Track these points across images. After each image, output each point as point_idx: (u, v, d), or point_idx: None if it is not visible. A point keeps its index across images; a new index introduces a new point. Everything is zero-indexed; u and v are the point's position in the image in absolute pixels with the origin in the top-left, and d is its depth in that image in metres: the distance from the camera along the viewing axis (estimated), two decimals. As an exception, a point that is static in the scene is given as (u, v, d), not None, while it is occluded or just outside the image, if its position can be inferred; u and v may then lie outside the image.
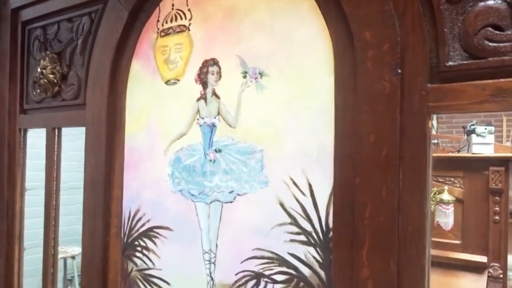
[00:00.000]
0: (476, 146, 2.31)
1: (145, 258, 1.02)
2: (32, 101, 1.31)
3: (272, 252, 0.82)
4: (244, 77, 0.87)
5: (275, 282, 0.81)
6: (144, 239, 1.02)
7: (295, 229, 0.79)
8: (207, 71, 0.93)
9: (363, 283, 0.69)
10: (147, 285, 1.01)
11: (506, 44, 0.60)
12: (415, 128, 0.66)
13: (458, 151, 2.68)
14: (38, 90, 1.27)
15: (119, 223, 1.07)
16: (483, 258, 2.20)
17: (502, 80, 0.60)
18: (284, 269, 0.80)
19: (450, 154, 2.68)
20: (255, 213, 0.84)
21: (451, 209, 2.36)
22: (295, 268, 0.79)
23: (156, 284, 0.99)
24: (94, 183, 1.10)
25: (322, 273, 0.76)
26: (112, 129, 1.08)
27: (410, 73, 0.67)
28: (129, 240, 1.05)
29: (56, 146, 1.25)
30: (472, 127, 2.38)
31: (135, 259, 1.03)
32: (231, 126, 0.89)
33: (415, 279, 0.66)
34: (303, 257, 0.78)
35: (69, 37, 1.21)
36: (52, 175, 1.24)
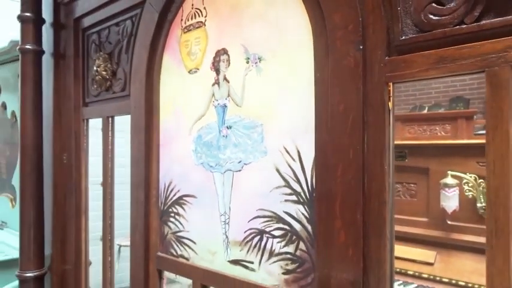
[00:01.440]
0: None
1: (177, 223, 1.20)
2: (91, 95, 1.56)
3: (271, 212, 0.95)
4: (247, 62, 1.00)
5: (274, 237, 0.94)
6: (176, 206, 1.20)
7: (289, 190, 0.92)
8: (219, 59, 1.08)
9: (337, 233, 0.80)
10: (179, 245, 1.19)
11: (446, 16, 0.68)
12: (375, 96, 0.76)
13: None
14: (95, 86, 1.51)
15: (157, 194, 1.26)
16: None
17: (443, 49, 0.68)
18: (280, 225, 0.93)
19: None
20: (258, 179, 0.98)
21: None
22: (289, 224, 0.91)
23: (185, 244, 1.17)
24: (137, 161, 1.30)
25: (309, 227, 0.88)
26: (149, 114, 1.27)
27: (371, 48, 0.76)
28: (165, 208, 1.24)
29: (110, 132, 1.48)
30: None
31: (170, 223, 1.22)
32: (238, 105, 1.03)
33: (378, 228, 0.75)
34: (294, 215, 0.90)
35: (117, 39, 1.43)
36: (108, 157, 1.47)
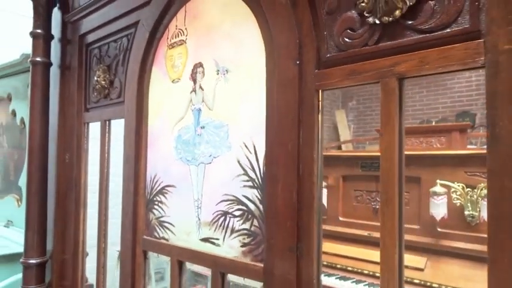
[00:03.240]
0: None
1: (160, 209, 1.40)
2: (92, 102, 1.78)
3: (233, 196, 1.16)
4: (218, 73, 1.22)
5: (235, 216, 1.15)
6: (159, 195, 1.41)
7: (246, 178, 1.12)
8: (196, 71, 1.29)
9: (279, 209, 1.01)
10: (161, 228, 1.39)
11: (356, 40, 0.89)
12: (308, 101, 0.97)
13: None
14: (95, 93, 1.73)
15: (144, 185, 1.47)
16: None
17: (354, 64, 0.89)
18: (240, 206, 1.14)
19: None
20: (223, 169, 1.19)
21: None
22: (246, 205, 1.12)
23: (166, 227, 1.37)
24: (128, 158, 1.51)
25: (261, 206, 1.08)
26: (139, 117, 1.48)
27: (305, 63, 0.98)
28: (150, 197, 1.44)
29: (106, 134, 1.69)
30: None
31: (154, 210, 1.42)
32: (210, 109, 1.24)
33: (308, 204, 0.96)
34: (250, 197, 1.11)
35: (115, 53, 1.66)
36: (104, 156, 1.69)
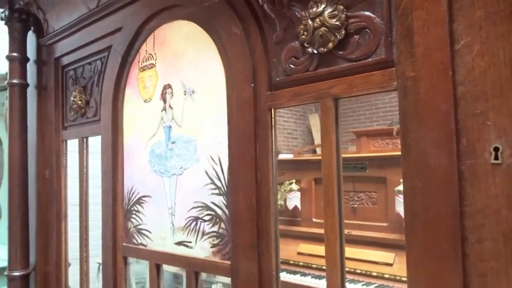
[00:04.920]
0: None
1: (137, 218, 1.53)
2: (69, 120, 1.89)
3: (203, 203, 1.30)
4: (185, 94, 1.37)
5: (205, 221, 1.29)
6: (136, 205, 1.54)
7: (213, 186, 1.27)
8: (165, 92, 1.44)
9: (241, 213, 1.16)
10: (139, 235, 1.52)
11: (299, 66, 1.06)
12: (263, 118, 1.12)
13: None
14: (72, 113, 1.85)
15: (122, 197, 1.60)
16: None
17: (298, 87, 1.05)
18: (209, 212, 1.28)
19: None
20: (193, 180, 1.33)
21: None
22: (214, 210, 1.27)
23: (144, 234, 1.50)
24: (106, 172, 1.64)
25: (226, 211, 1.23)
26: (115, 134, 1.61)
27: (259, 86, 1.13)
28: (128, 207, 1.57)
29: (84, 150, 1.81)
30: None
31: (132, 219, 1.55)
32: (179, 126, 1.39)
33: (265, 207, 1.11)
34: (217, 203, 1.26)
35: (90, 75, 1.78)
36: (83, 171, 1.81)
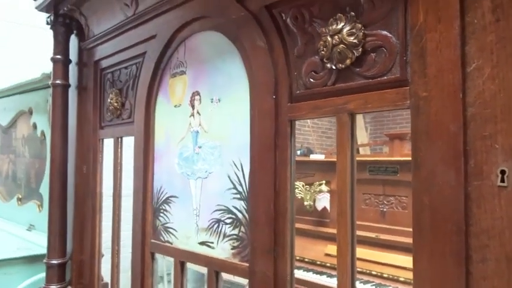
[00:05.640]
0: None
1: (165, 216, 1.62)
2: (106, 120, 2.01)
3: (225, 206, 1.37)
4: (212, 101, 1.43)
5: (226, 223, 1.36)
6: (164, 204, 1.63)
7: (235, 191, 1.33)
8: (194, 98, 1.51)
9: (260, 218, 1.21)
10: (166, 233, 1.61)
11: (318, 80, 1.10)
12: (282, 128, 1.17)
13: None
14: (109, 113, 1.96)
15: (151, 195, 1.69)
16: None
17: (317, 100, 1.09)
18: (230, 215, 1.35)
19: None
20: (217, 183, 1.40)
21: None
22: (235, 214, 1.33)
23: (170, 232, 1.59)
24: (138, 171, 1.73)
25: (247, 215, 1.29)
26: (147, 136, 1.70)
27: (280, 97, 1.18)
28: (157, 206, 1.66)
29: (119, 150, 1.92)
30: None
31: (160, 217, 1.64)
32: (206, 131, 1.46)
33: (283, 213, 1.16)
34: (238, 207, 1.32)
35: (126, 78, 1.88)
36: (117, 169, 1.91)
